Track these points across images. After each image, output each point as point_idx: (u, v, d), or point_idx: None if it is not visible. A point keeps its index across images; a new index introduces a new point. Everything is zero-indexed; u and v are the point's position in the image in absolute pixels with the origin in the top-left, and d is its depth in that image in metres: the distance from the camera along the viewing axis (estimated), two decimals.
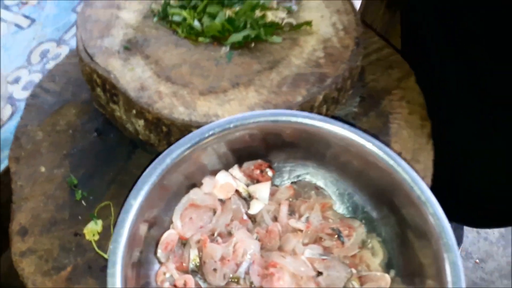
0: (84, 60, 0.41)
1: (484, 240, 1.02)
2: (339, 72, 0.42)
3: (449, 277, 0.31)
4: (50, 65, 0.65)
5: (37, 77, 0.64)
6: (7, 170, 0.56)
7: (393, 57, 0.55)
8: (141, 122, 0.40)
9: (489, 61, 0.48)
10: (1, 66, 0.64)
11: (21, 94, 0.63)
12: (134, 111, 0.39)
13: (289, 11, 0.47)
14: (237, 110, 0.39)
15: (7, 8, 0.72)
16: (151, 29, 0.44)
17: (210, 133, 0.35)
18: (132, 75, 0.40)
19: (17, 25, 0.70)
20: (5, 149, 0.58)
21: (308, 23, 0.45)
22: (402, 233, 0.36)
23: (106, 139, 0.44)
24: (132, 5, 0.46)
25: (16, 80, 0.64)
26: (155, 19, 0.45)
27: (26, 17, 0.71)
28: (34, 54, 0.66)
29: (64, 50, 0.67)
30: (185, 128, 0.38)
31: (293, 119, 0.36)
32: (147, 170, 0.33)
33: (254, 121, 0.36)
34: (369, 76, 0.53)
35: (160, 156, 0.34)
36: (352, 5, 0.49)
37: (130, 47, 0.42)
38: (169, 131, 0.39)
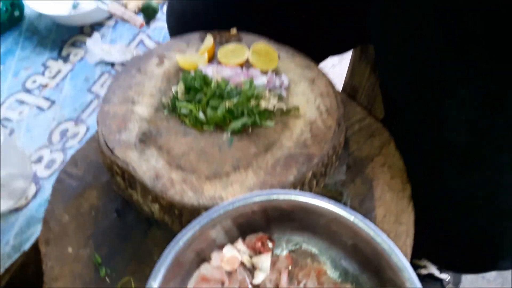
0: (105, 153, 0.48)
1: (482, 278, 1.05)
2: (324, 151, 0.49)
3: None
4: (69, 143, 0.72)
5: (58, 156, 0.71)
6: (34, 247, 0.62)
7: (374, 126, 0.62)
8: (156, 206, 0.46)
9: (453, 127, 0.54)
10: (24, 147, 0.72)
11: (44, 172, 0.70)
12: (150, 197, 0.46)
13: (279, 98, 0.54)
14: (239, 191, 0.45)
15: (29, 91, 0.81)
16: (162, 121, 0.52)
17: (217, 214, 0.41)
18: (147, 165, 0.47)
19: (39, 107, 0.78)
20: (31, 227, 0.64)
21: (296, 109, 0.53)
22: None
23: (125, 219, 0.51)
24: (145, 100, 0.54)
25: (39, 159, 0.71)
26: (166, 111, 0.52)
27: (46, 99, 0.79)
28: (55, 133, 0.74)
29: (82, 129, 0.74)
30: (195, 210, 0.44)
31: (287, 197, 0.43)
32: (164, 253, 0.39)
33: (254, 201, 0.42)
34: (353, 145, 0.60)
35: (175, 240, 0.40)
36: (333, 87, 0.56)
37: (145, 139, 0.49)
38: (181, 213, 0.45)
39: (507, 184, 0.53)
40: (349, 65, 0.96)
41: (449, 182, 0.55)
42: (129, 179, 0.47)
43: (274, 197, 0.43)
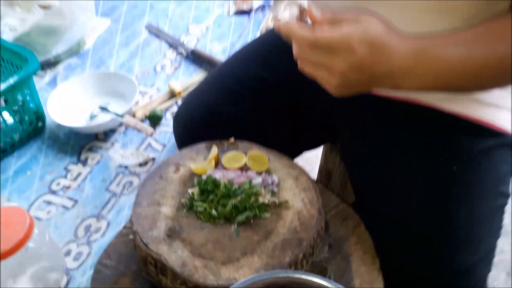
0: (141, 248, 0.62)
1: None
2: (310, 235, 0.64)
3: None
4: (93, 237, 0.85)
5: (84, 249, 0.83)
6: None
7: (347, 211, 0.77)
8: None
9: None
10: (57, 241, 0.84)
11: (72, 264, 0.81)
12: (178, 281, 0.59)
13: (272, 193, 0.70)
14: (248, 273, 0.59)
15: (54, 193, 0.94)
16: (183, 218, 0.66)
17: None
18: (176, 256, 0.61)
19: (64, 206, 0.91)
20: None
21: (286, 202, 0.68)
22: None
23: None
24: (168, 202, 0.68)
25: (68, 253, 0.83)
26: (185, 210, 0.67)
27: (70, 199, 0.92)
28: (79, 229, 0.86)
29: (103, 224, 0.87)
30: None
31: (286, 275, 0.57)
32: None
33: (260, 279, 0.56)
34: (332, 227, 0.75)
35: None
36: (313, 183, 0.72)
37: (171, 234, 0.63)
38: None
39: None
40: (322, 153, 1.13)
41: (406, 256, 0.69)
42: (161, 267, 0.60)
43: (276, 275, 0.57)
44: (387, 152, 0.74)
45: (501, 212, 0.71)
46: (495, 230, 0.70)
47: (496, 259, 0.87)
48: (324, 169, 1.14)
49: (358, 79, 0.54)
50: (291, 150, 0.86)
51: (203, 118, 0.84)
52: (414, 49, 0.54)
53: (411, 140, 0.72)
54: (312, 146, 0.94)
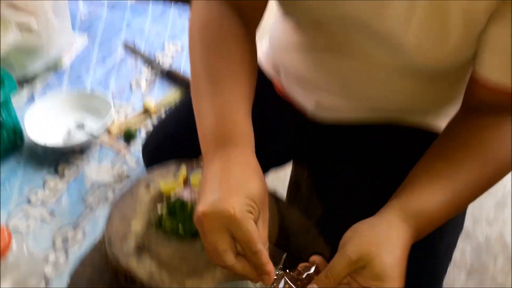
0: (112, 261, 0.67)
1: None
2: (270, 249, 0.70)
3: None
4: (70, 247, 0.89)
5: (62, 259, 0.88)
6: None
7: (307, 224, 0.84)
8: None
9: None
10: (35, 252, 0.88)
11: (51, 273, 0.86)
12: None
13: None
14: (211, 283, 0.65)
15: (32, 205, 0.98)
16: (152, 234, 0.72)
17: None
18: (144, 268, 0.66)
19: (42, 217, 0.96)
20: None
21: None
22: None
23: None
24: (138, 219, 0.74)
25: (46, 261, 0.87)
26: (154, 227, 0.73)
27: (48, 210, 0.97)
28: (57, 240, 0.91)
29: (79, 234, 0.92)
30: None
31: (247, 285, 0.63)
32: None
33: None
34: (293, 238, 0.81)
35: None
36: (273, 200, 0.79)
37: (141, 249, 0.69)
38: None
39: None
40: (292, 167, 1.20)
41: None
42: (131, 279, 0.66)
43: (236, 286, 0.63)
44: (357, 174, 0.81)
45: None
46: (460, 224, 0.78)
47: (457, 260, 0.95)
48: (294, 181, 1.20)
49: None
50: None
51: (171, 145, 0.89)
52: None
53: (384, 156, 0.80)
54: (278, 164, 1.01)
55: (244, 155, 0.55)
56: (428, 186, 0.57)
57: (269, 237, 0.72)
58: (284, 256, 0.60)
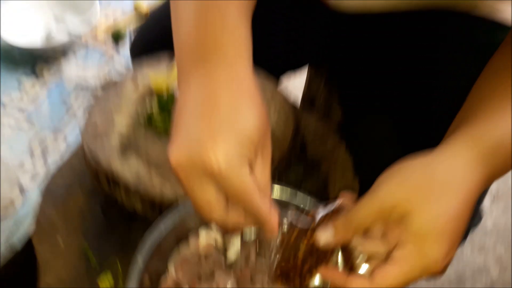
0: (90, 161, 0.55)
1: None
2: (282, 154, 0.58)
3: None
4: (50, 155, 0.78)
5: (40, 168, 0.76)
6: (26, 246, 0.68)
7: (326, 130, 0.71)
8: (139, 203, 0.53)
9: None
10: (8, 159, 0.77)
11: (28, 183, 0.75)
12: (132, 196, 0.53)
13: None
14: None
15: (7, 108, 0.85)
16: (140, 132, 0.59)
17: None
18: (129, 169, 0.54)
19: (18, 123, 0.83)
20: (20, 230, 0.69)
21: None
22: None
23: (110, 214, 0.57)
24: (124, 117, 0.60)
25: (23, 171, 0.76)
26: (142, 126, 0.60)
27: (25, 115, 0.84)
28: (36, 147, 0.79)
29: (61, 140, 0.80)
30: (173, 204, 0.52)
31: None
32: (147, 235, 0.46)
33: None
34: (310, 146, 0.69)
35: (156, 224, 0.47)
36: (288, 103, 0.65)
37: (125, 149, 0.56)
38: (161, 208, 0.52)
39: None
40: (306, 76, 1.06)
41: None
42: (114, 182, 0.54)
43: None
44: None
45: None
46: None
47: None
48: (308, 95, 1.08)
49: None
50: (271, 68, 0.77)
51: (163, 43, 0.74)
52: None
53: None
54: (293, 67, 0.86)
55: (235, 71, 0.37)
56: (507, 109, 0.40)
57: (282, 146, 0.60)
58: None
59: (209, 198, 0.35)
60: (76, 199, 0.60)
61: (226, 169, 0.33)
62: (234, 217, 0.36)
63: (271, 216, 0.37)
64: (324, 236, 0.40)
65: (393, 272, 0.38)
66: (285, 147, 0.59)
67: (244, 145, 0.34)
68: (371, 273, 0.39)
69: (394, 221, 0.38)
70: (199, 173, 0.34)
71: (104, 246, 0.55)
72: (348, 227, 0.39)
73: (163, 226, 0.48)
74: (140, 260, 0.45)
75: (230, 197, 0.35)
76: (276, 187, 0.51)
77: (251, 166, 0.36)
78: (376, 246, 0.39)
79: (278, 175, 0.58)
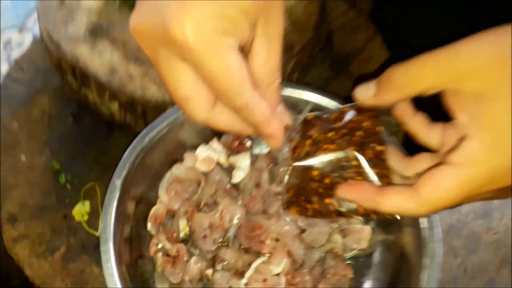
0: (50, 49, 0.41)
1: None
2: (305, 39, 0.43)
3: (425, 223, 0.34)
4: (15, 52, 0.64)
5: (3, 66, 0.63)
6: None
7: (358, 20, 0.56)
8: (115, 105, 0.40)
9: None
10: None
11: None
12: (107, 94, 0.40)
13: None
14: None
15: None
16: (114, 12, 0.44)
17: None
18: (101, 59, 0.40)
19: None
20: None
21: None
22: None
23: (83, 123, 0.45)
24: None
25: None
26: (117, 3, 0.45)
27: None
28: None
29: (27, 37, 0.66)
30: (160, 107, 0.39)
31: None
32: (128, 150, 0.34)
33: None
34: (337, 40, 0.54)
35: (139, 136, 0.35)
36: None
37: (96, 32, 0.42)
38: (144, 111, 0.39)
39: None
40: None
41: None
42: (81, 76, 0.41)
43: None
44: None
45: None
46: None
47: None
48: None
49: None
50: None
51: None
52: None
53: None
54: None
55: None
56: None
57: (304, 32, 0.45)
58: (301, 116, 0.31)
59: (179, 77, 0.25)
60: (40, 103, 0.47)
61: (194, 41, 0.24)
62: (223, 115, 0.27)
63: (271, 118, 0.27)
64: (364, 92, 0.28)
65: (450, 177, 0.26)
66: (307, 34, 0.44)
67: (229, 16, 0.24)
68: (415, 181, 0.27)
69: (461, 101, 0.25)
70: (161, 43, 0.25)
71: (77, 162, 0.43)
72: (395, 85, 0.26)
73: (147, 138, 0.35)
74: (118, 182, 0.33)
75: (208, 85, 0.26)
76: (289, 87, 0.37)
77: (245, 47, 0.26)
78: (433, 136, 0.28)
79: (299, 72, 0.45)
